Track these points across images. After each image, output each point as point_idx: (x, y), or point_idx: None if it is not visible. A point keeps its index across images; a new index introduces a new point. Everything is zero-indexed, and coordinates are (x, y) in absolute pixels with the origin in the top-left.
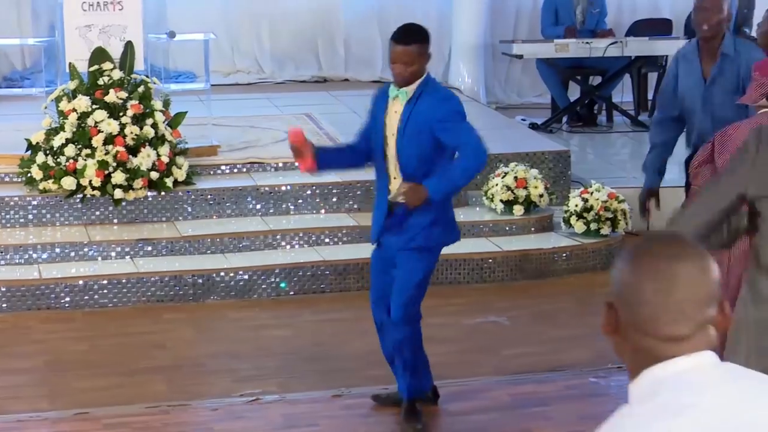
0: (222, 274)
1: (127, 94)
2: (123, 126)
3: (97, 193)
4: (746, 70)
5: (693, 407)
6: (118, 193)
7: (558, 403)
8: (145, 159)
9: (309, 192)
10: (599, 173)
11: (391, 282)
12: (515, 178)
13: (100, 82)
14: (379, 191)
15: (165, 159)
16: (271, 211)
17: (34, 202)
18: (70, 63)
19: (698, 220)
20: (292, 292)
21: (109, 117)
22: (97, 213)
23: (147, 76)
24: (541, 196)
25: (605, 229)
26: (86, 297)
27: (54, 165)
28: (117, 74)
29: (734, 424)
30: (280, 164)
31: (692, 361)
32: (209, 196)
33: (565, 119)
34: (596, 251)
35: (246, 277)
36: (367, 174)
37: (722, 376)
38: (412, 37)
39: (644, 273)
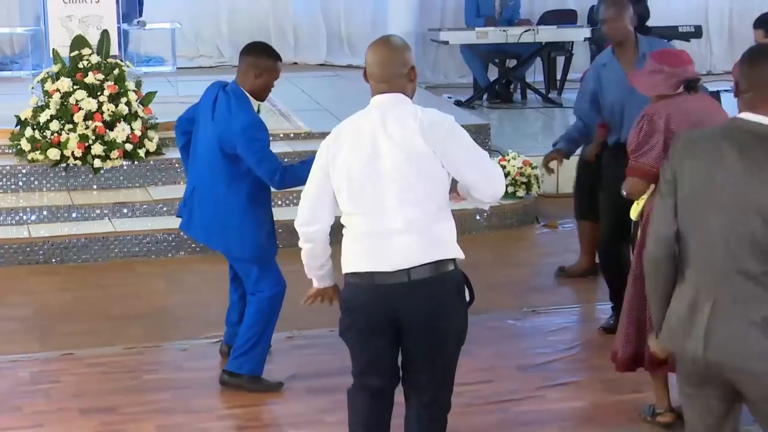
0: None
1: (104, 76)
2: (101, 104)
3: (78, 162)
4: None
5: (384, 118)
6: (97, 163)
7: (479, 343)
8: (120, 133)
9: None
10: (515, 144)
11: None
12: None
13: (80, 65)
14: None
15: (138, 133)
16: None
17: (24, 171)
18: (53, 49)
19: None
20: None
21: (88, 96)
22: (79, 180)
23: (121, 61)
24: None
25: (520, 192)
26: (70, 253)
27: (40, 138)
28: (95, 59)
29: (403, 134)
30: None
31: (393, 96)
32: (177, 165)
33: (485, 97)
34: (512, 211)
35: None
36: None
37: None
38: None
39: (372, 52)
